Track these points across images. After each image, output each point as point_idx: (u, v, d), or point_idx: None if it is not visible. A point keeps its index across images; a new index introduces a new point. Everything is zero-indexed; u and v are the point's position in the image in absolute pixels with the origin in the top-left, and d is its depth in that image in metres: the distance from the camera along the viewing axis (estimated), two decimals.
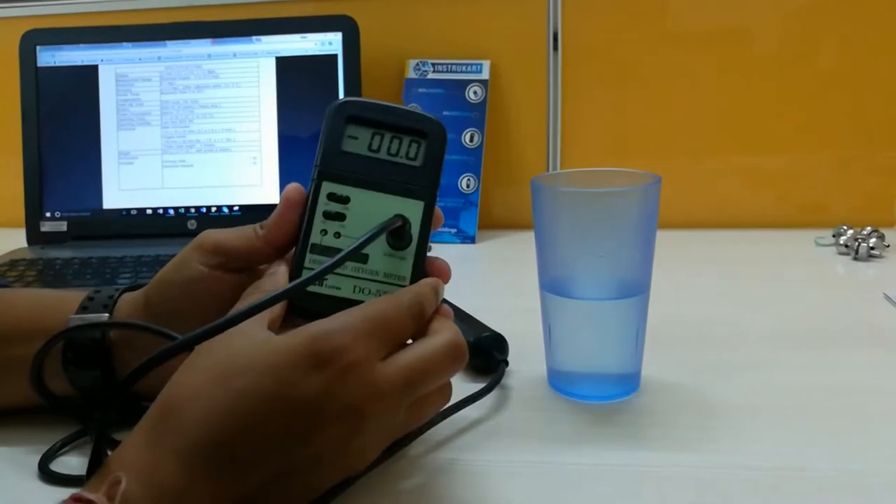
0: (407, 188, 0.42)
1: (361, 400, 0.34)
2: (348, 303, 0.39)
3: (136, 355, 0.44)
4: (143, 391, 0.38)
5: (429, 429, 0.44)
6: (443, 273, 0.43)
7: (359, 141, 0.42)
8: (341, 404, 0.34)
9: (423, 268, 0.42)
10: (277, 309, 0.37)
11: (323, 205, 0.41)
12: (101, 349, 0.45)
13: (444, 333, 0.38)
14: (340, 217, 0.41)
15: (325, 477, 0.35)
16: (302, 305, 0.39)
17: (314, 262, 0.40)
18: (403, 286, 0.41)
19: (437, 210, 0.43)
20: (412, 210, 0.42)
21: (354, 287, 0.40)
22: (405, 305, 0.37)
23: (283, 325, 0.38)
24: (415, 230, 0.42)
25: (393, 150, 0.42)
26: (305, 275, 0.39)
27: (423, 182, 0.42)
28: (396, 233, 0.41)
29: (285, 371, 0.33)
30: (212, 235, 0.43)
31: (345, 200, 0.41)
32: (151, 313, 0.44)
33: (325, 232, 0.41)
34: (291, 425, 0.33)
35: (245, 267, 0.43)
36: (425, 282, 0.41)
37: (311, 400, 0.33)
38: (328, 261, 0.37)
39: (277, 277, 0.40)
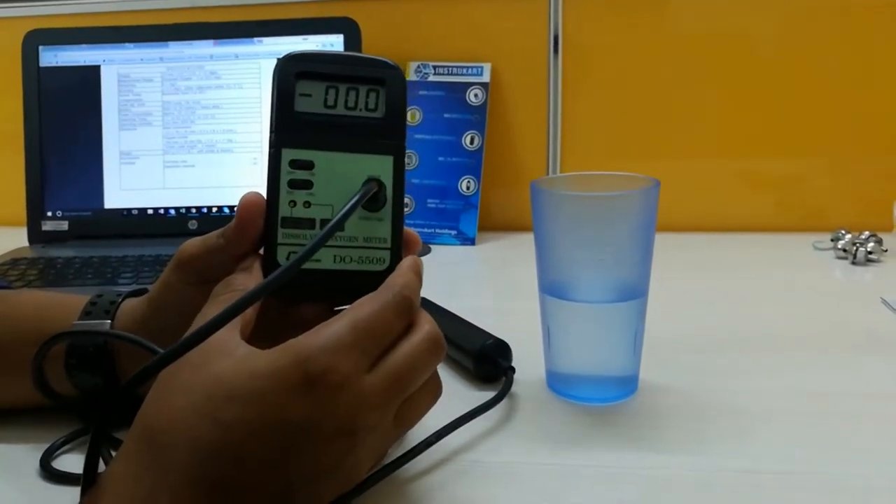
0: (373, 144, 0.39)
1: (353, 417, 0.33)
2: (330, 274, 0.38)
3: (138, 363, 0.44)
4: (142, 392, 0.38)
5: (438, 439, 0.43)
6: (413, 241, 0.41)
7: (312, 98, 0.39)
8: (332, 425, 0.33)
9: (402, 226, 0.40)
10: (249, 311, 0.36)
11: (286, 174, 0.38)
12: (104, 355, 0.45)
13: (422, 327, 0.37)
14: (307, 185, 0.39)
15: (324, 491, 0.35)
16: (283, 286, 0.36)
17: (287, 237, 0.38)
18: (385, 248, 0.40)
19: (413, 233, 0.41)
20: (382, 167, 0.39)
21: (335, 257, 0.39)
22: (392, 305, 0.36)
23: (256, 325, 0.37)
24: (388, 189, 0.39)
25: (350, 103, 0.39)
26: (280, 252, 0.38)
27: (389, 135, 0.40)
28: (371, 196, 0.39)
29: (272, 397, 0.32)
30: (186, 252, 0.42)
31: (309, 166, 0.39)
32: (149, 329, 0.44)
33: (293, 203, 0.38)
34: (284, 449, 0.32)
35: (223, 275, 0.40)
36: (407, 266, 0.39)
37: (301, 423, 0.32)
38: (302, 249, 0.35)
39: (250, 272, 0.38)
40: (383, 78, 0.40)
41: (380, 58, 0.40)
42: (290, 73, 0.39)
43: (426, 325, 0.37)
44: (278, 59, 0.39)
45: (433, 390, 0.39)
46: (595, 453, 0.44)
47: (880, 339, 0.61)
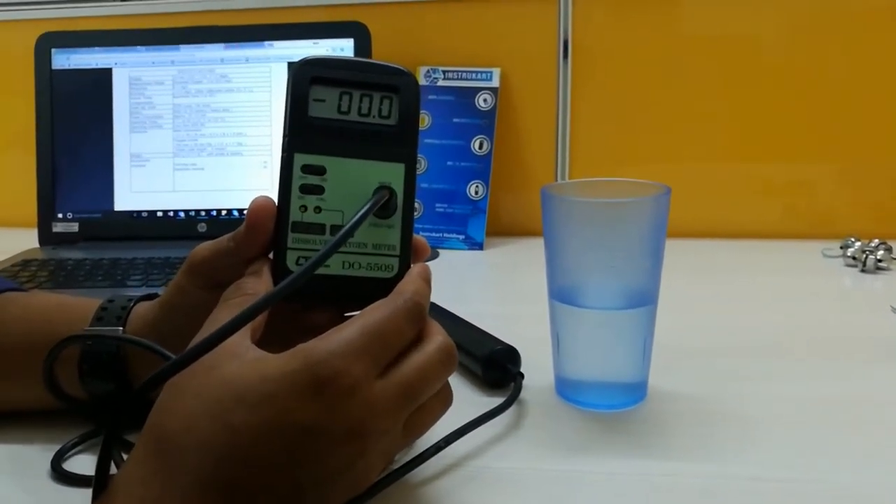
0: (385, 151, 0.39)
1: (362, 422, 0.33)
2: (338, 280, 0.39)
3: (150, 367, 0.44)
4: (153, 395, 0.38)
5: (447, 444, 0.43)
6: (422, 248, 0.41)
7: (326, 104, 0.39)
8: (342, 429, 0.33)
9: (412, 234, 0.40)
10: (260, 315, 0.36)
11: (298, 179, 0.39)
12: (116, 361, 0.46)
13: (435, 338, 0.37)
14: (319, 190, 0.39)
15: (334, 494, 0.35)
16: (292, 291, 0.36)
17: (297, 242, 0.39)
18: (394, 255, 0.40)
19: (422, 240, 0.41)
20: (393, 175, 0.40)
21: (343, 262, 0.39)
22: (402, 311, 0.36)
23: (266, 330, 0.37)
24: (399, 196, 0.40)
25: (364, 110, 0.40)
26: (289, 257, 0.38)
27: (401, 142, 0.40)
28: (382, 203, 0.39)
29: (281, 400, 0.32)
30: (198, 256, 0.42)
31: (321, 171, 0.39)
32: (161, 333, 0.44)
33: (304, 208, 0.39)
34: (293, 452, 0.32)
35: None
36: (417, 273, 0.39)
37: (310, 427, 0.32)
38: (314, 255, 0.35)
39: (260, 276, 0.38)
40: (397, 85, 0.40)
41: (394, 65, 0.41)
42: (304, 77, 0.39)
43: (439, 337, 0.37)
44: (293, 64, 0.40)
45: (444, 399, 0.39)
46: (603, 460, 0.44)
47: (889, 347, 0.60)
